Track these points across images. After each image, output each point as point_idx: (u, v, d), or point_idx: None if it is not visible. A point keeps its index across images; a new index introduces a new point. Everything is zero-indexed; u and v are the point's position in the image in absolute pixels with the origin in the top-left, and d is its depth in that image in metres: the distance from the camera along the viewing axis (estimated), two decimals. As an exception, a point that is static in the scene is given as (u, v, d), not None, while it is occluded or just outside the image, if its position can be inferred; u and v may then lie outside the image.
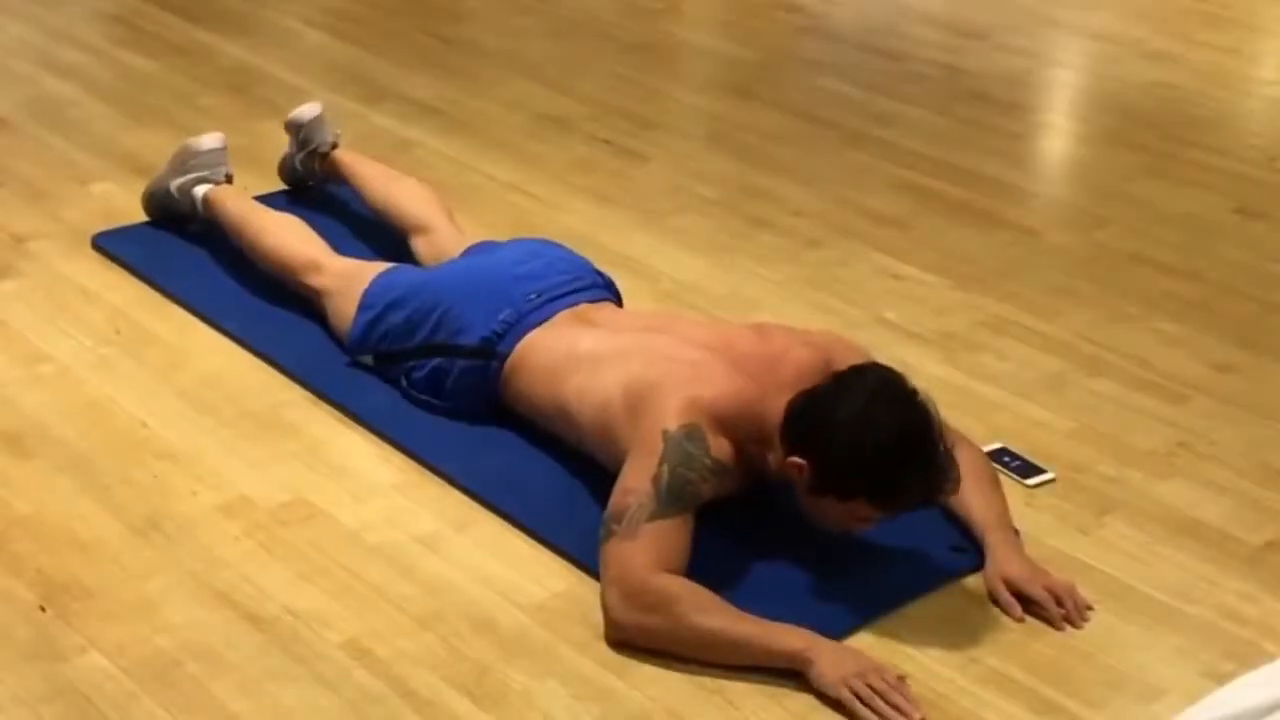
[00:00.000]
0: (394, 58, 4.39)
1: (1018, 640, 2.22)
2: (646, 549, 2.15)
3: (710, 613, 2.13)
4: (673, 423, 2.23)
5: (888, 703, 2.04)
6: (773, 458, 2.29)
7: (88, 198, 3.40)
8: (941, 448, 2.20)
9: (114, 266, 3.10)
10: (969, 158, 3.96)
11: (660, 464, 2.20)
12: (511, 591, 2.26)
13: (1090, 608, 2.28)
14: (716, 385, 2.29)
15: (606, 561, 2.18)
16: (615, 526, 2.18)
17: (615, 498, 2.22)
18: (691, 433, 2.22)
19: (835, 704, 2.07)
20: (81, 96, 3.97)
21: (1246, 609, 2.32)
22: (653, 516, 2.17)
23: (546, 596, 2.26)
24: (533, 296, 2.61)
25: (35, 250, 3.16)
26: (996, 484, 2.45)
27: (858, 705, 2.04)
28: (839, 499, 2.22)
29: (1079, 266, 3.41)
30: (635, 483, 2.20)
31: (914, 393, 2.21)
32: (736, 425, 2.28)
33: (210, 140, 3.22)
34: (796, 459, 2.22)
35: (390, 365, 2.70)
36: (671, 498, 2.18)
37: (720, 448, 2.25)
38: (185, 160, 3.20)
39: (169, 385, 2.73)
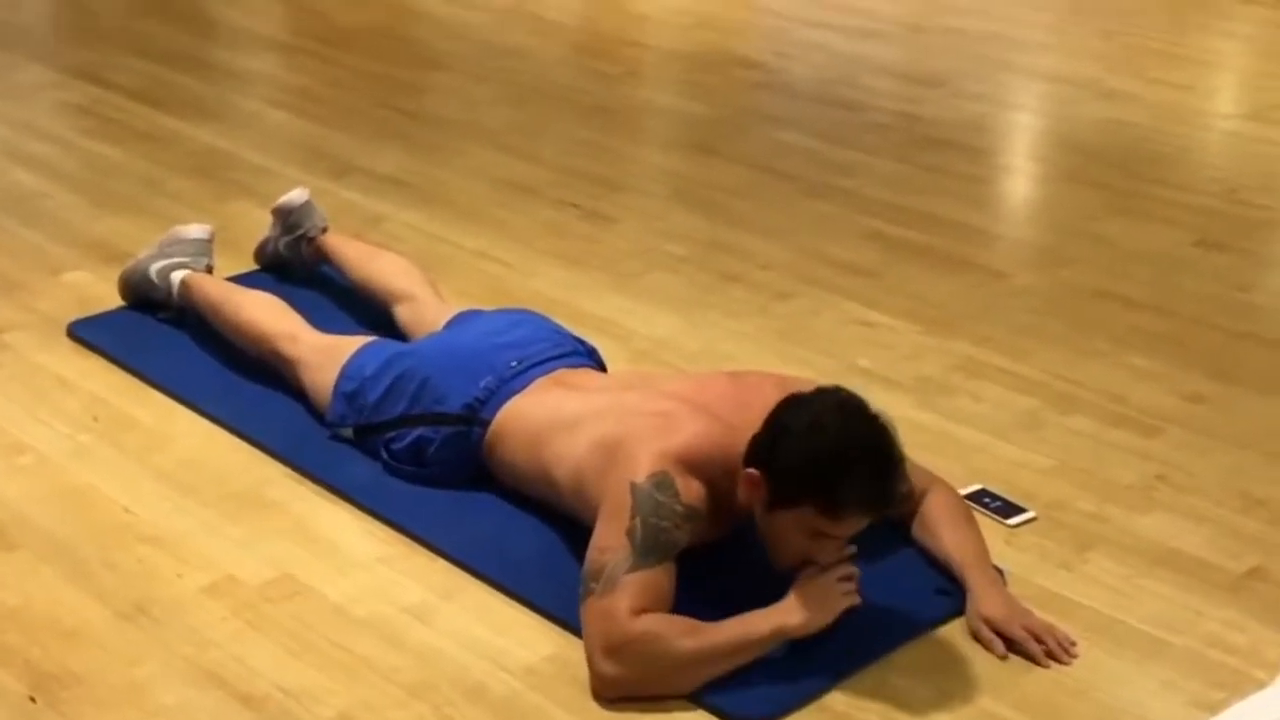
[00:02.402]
0: (358, 133, 4.42)
1: (1009, 679, 2.23)
2: (626, 597, 2.15)
3: (692, 634, 2.16)
4: (640, 474, 2.24)
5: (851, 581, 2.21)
6: (740, 488, 2.29)
7: (60, 287, 3.41)
8: (894, 459, 2.19)
9: (90, 354, 3.11)
10: (932, 203, 4.00)
11: (632, 518, 2.20)
12: (501, 657, 2.26)
13: (1074, 643, 2.29)
14: (685, 430, 2.30)
15: (587, 620, 2.18)
16: (593, 585, 2.19)
17: (591, 556, 2.22)
18: (660, 481, 2.23)
19: None
20: (50, 187, 3.99)
21: (1233, 637, 2.34)
22: (631, 569, 2.17)
23: (536, 660, 2.26)
24: (514, 364, 2.63)
25: (10, 341, 3.16)
26: (973, 523, 2.46)
27: (850, 601, 2.21)
28: (788, 508, 2.19)
29: (1047, 306, 3.45)
30: (609, 540, 2.21)
31: (872, 413, 2.22)
32: (707, 466, 2.28)
33: (198, 230, 3.26)
34: (750, 471, 2.23)
35: (371, 437, 2.70)
36: (647, 549, 2.19)
37: (691, 492, 2.25)
38: (170, 246, 3.22)
39: (149, 469, 2.73)
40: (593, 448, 2.36)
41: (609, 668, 2.15)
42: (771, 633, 2.17)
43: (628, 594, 2.16)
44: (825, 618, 2.19)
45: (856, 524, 2.21)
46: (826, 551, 2.23)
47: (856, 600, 2.21)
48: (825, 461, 2.16)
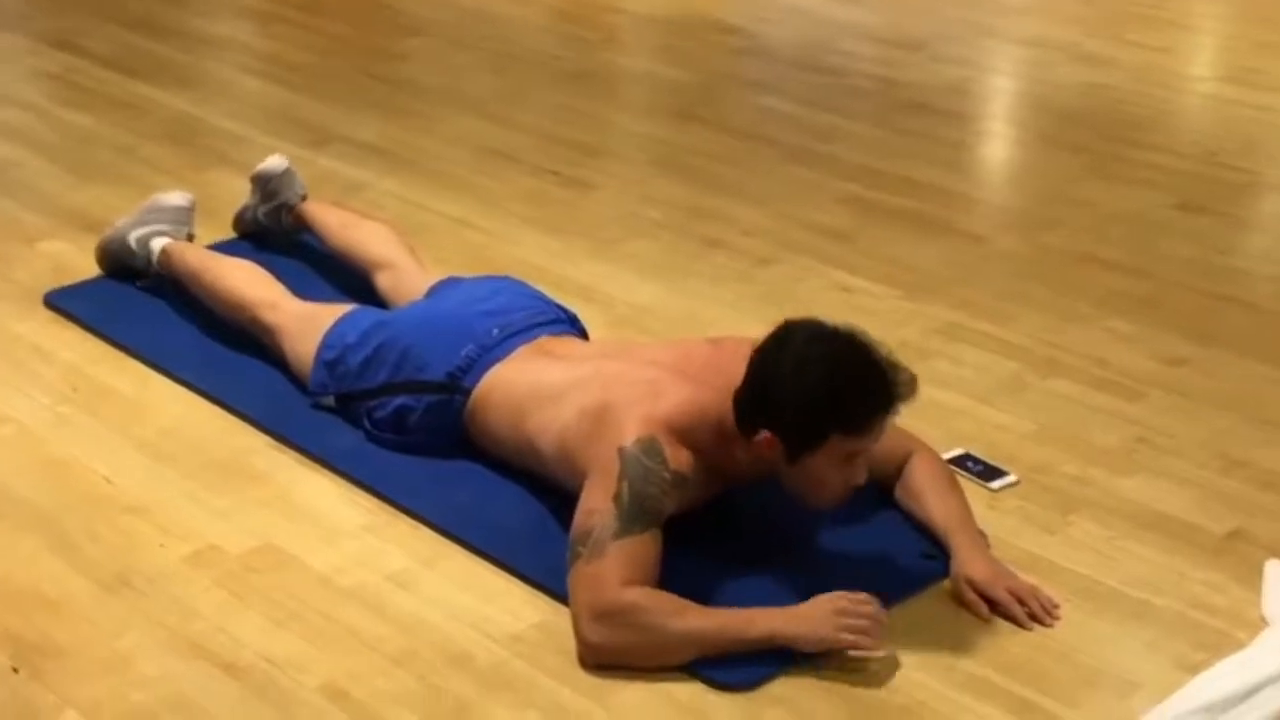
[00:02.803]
0: (336, 101, 4.40)
1: (992, 643, 2.24)
2: (614, 568, 2.16)
3: (684, 615, 2.15)
4: (628, 439, 2.24)
5: (868, 622, 2.15)
6: (740, 451, 2.29)
7: (36, 256, 3.39)
8: (882, 354, 2.22)
9: (67, 324, 3.09)
10: (913, 168, 4.00)
11: (619, 481, 2.20)
12: (486, 625, 2.26)
13: (1057, 605, 2.30)
14: (670, 397, 2.30)
15: (575, 584, 2.19)
16: (580, 549, 2.19)
17: (578, 519, 2.22)
18: (648, 447, 2.23)
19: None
20: (25, 156, 3.96)
21: (1215, 599, 2.35)
22: (617, 535, 2.17)
23: (522, 628, 2.26)
24: (495, 331, 2.62)
25: (-14, 312, 3.14)
26: (957, 488, 2.47)
27: (852, 640, 2.14)
28: (815, 449, 2.21)
29: (1028, 269, 3.45)
30: (596, 503, 2.21)
31: (836, 329, 2.25)
32: (695, 432, 2.29)
33: (179, 198, 3.24)
34: (763, 435, 2.23)
35: (353, 405, 2.70)
36: (634, 514, 2.19)
37: (679, 458, 2.25)
38: (150, 213, 3.20)
39: (130, 439, 2.72)
40: (579, 415, 2.35)
41: (594, 634, 2.15)
42: (765, 636, 2.15)
43: (616, 561, 2.16)
44: (823, 643, 2.15)
45: (880, 428, 2.24)
46: (860, 471, 2.26)
47: (865, 644, 2.15)
48: (830, 391, 2.18)
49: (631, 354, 2.54)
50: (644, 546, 2.19)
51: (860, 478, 2.27)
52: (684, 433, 2.27)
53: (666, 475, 2.23)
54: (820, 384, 2.18)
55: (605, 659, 2.16)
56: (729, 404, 2.27)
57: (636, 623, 2.14)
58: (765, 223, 3.64)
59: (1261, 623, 2.29)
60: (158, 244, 3.14)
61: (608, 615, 2.14)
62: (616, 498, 2.19)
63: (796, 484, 2.29)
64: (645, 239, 3.56)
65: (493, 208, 3.70)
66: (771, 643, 2.15)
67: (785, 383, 2.20)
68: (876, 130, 4.29)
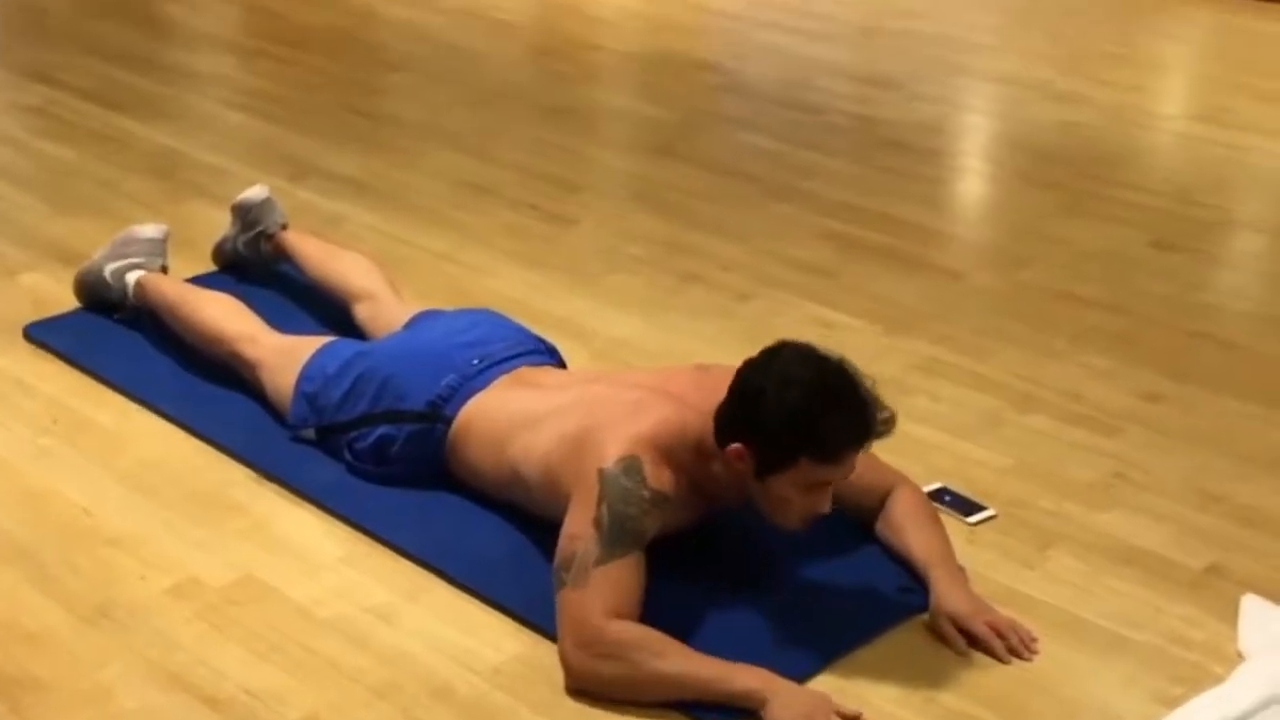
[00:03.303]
0: (316, 134, 4.41)
1: (972, 676, 2.25)
2: (598, 595, 2.16)
3: (667, 657, 2.15)
4: (609, 460, 2.24)
5: None
6: (715, 466, 2.30)
7: (16, 289, 3.38)
8: (865, 387, 2.22)
9: (48, 356, 3.08)
10: (890, 204, 4.03)
11: (599, 505, 2.21)
12: (467, 657, 2.26)
13: (1035, 639, 2.31)
14: (651, 415, 2.31)
15: (561, 610, 2.20)
16: (565, 575, 2.19)
17: (561, 545, 2.23)
18: (628, 466, 2.24)
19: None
20: (4, 189, 3.96)
21: (1192, 633, 2.36)
22: (599, 560, 2.18)
23: (503, 660, 2.26)
24: (476, 361, 2.63)
25: (-34, 344, 3.14)
26: (936, 521, 2.48)
27: None
28: (784, 469, 2.21)
29: (1005, 305, 3.48)
30: (577, 528, 2.21)
31: (827, 355, 2.25)
32: (677, 450, 2.29)
33: (152, 230, 3.24)
34: (735, 446, 2.24)
35: (334, 437, 2.70)
36: (615, 537, 2.19)
37: (660, 477, 2.25)
38: (124, 246, 3.21)
39: (110, 471, 2.71)
40: (561, 439, 2.36)
41: (576, 661, 2.16)
42: (746, 694, 2.13)
43: (599, 587, 2.16)
44: None
45: (850, 462, 2.24)
46: (824, 500, 2.26)
47: None
48: (807, 411, 2.18)
49: (614, 379, 2.55)
50: (627, 570, 2.19)
51: (824, 507, 2.27)
52: (665, 450, 2.27)
53: (646, 495, 2.23)
54: (799, 404, 2.19)
55: (585, 686, 2.17)
56: (710, 422, 2.28)
57: (620, 658, 2.14)
58: (744, 258, 3.66)
59: (1238, 657, 2.30)
60: (133, 276, 3.14)
61: (590, 645, 2.15)
62: (597, 522, 2.20)
63: (762, 501, 2.29)
64: (625, 273, 3.58)
65: (473, 242, 3.71)
66: (747, 703, 2.13)
67: (766, 397, 2.21)
68: (854, 167, 4.32)
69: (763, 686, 2.13)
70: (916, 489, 2.53)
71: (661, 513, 2.26)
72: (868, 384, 2.24)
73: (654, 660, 2.14)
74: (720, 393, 2.28)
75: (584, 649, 2.15)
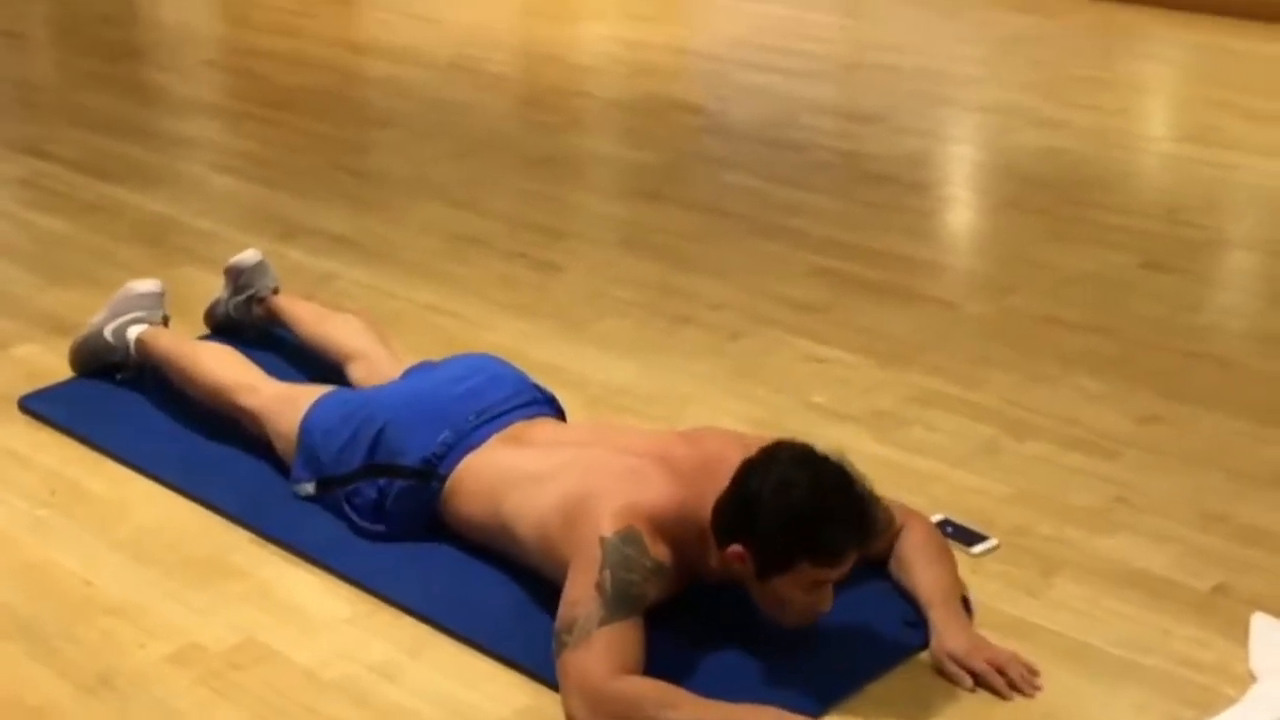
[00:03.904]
0: (305, 194, 4.42)
1: (979, 710, 2.23)
2: (602, 655, 2.15)
3: (678, 707, 2.13)
4: (608, 529, 2.24)
5: None
6: (713, 558, 2.31)
7: (10, 361, 3.38)
8: (863, 490, 2.24)
9: (43, 427, 3.08)
10: (878, 238, 4.03)
11: (602, 570, 2.21)
12: (473, 713, 2.25)
13: (1036, 673, 2.30)
14: (651, 491, 2.32)
15: (564, 673, 2.18)
16: (566, 638, 2.18)
17: (562, 610, 2.22)
18: (628, 536, 2.24)
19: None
20: (-5, 262, 3.97)
21: (1202, 655, 2.35)
22: (603, 622, 2.17)
23: (508, 714, 2.24)
24: (472, 416, 2.63)
25: (-40, 418, 3.13)
26: (944, 557, 2.47)
27: None
28: (784, 571, 2.23)
29: (997, 333, 3.48)
30: (579, 593, 2.21)
31: (825, 456, 2.27)
32: (673, 530, 2.30)
33: (148, 284, 3.25)
34: (735, 548, 2.25)
35: (333, 490, 2.69)
36: (618, 602, 2.19)
37: (658, 550, 2.26)
38: (123, 304, 3.21)
39: (109, 540, 2.70)
40: (558, 503, 2.36)
41: None
42: None
43: (602, 648, 2.15)
44: None
45: (849, 562, 2.25)
46: (826, 598, 2.27)
47: None
48: (805, 515, 2.19)
49: (609, 441, 2.55)
50: (629, 633, 2.18)
51: (826, 605, 2.28)
52: (663, 529, 2.28)
53: (648, 564, 2.24)
54: (797, 508, 2.20)
55: None
56: (708, 508, 2.30)
57: (631, 713, 2.13)
58: (735, 297, 3.67)
59: (1249, 677, 2.29)
60: (134, 331, 3.15)
61: (600, 704, 2.13)
62: (599, 586, 2.19)
63: (763, 601, 2.30)
64: (616, 318, 3.58)
65: (463, 293, 3.72)
66: None
67: (765, 501, 2.22)
68: (841, 202, 4.33)
69: None
70: (926, 523, 2.53)
71: (661, 582, 2.26)
72: (865, 484, 2.26)
73: (666, 712, 2.12)
74: (716, 469, 2.30)
75: (593, 709, 2.14)
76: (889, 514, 2.31)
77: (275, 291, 3.34)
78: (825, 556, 2.22)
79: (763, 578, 2.25)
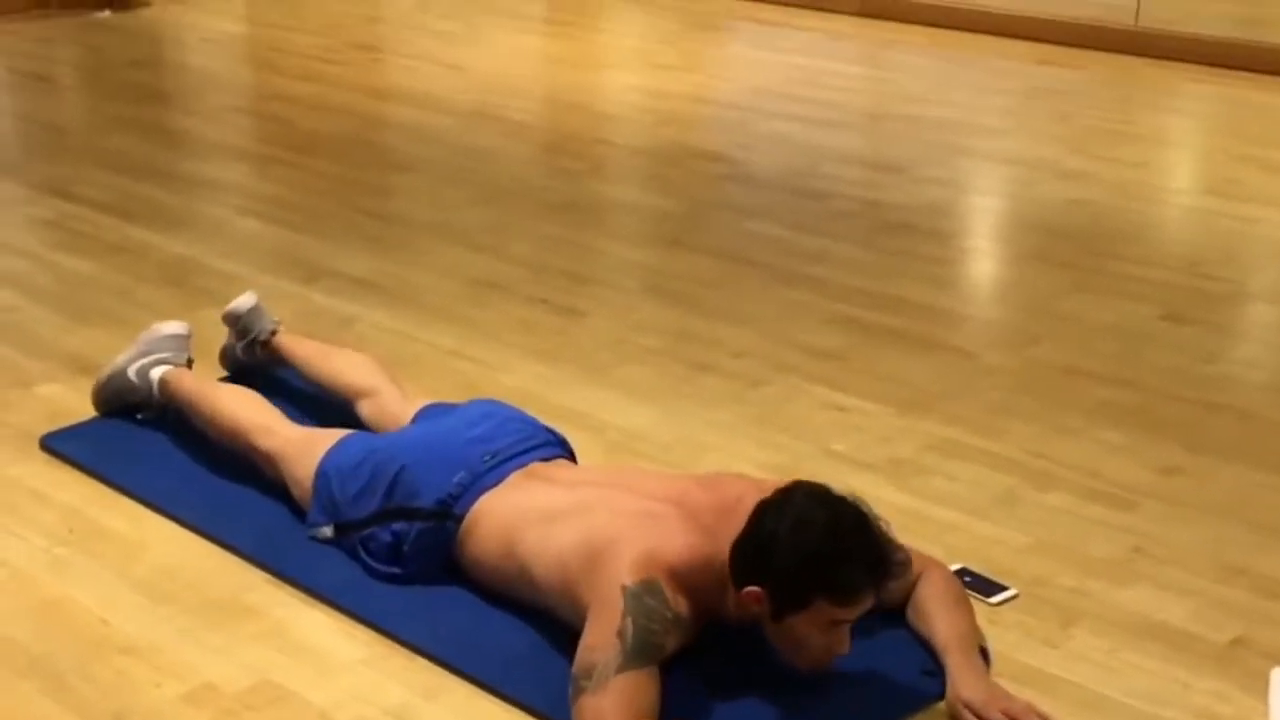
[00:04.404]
0: (327, 237, 4.45)
1: (997, 758, 2.22)
2: (619, 702, 2.15)
3: None
4: (630, 578, 2.24)
5: None
6: (730, 601, 2.31)
7: (33, 400, 3.40)
8: (879, 529, 2.25)
9: (64, 466, 3.09)
10: (900, 287, 4.04)
11: (624, 618, 2.21)
12: (487, 756, 2.25)
13: None
14: (672, 540, 2.31)
15: (580, 717, 2.17)
16: (585, 683, 2.18)
17: (581, 655, 2.22)
18: (650, 587, 2.24)
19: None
20: (21, 302, 3.99)
21: (1221, 709, 2.33)
22: (621, 669, 2.17)
23: (523, 758, 2.24)
24: (487, 458, 2.63)
25: (-18, 456, 3.15)
26: (964, 605, 2.46)
27: None
28: (800, 610, 2.23)
29: (1017, 384, 3.47)
30: (599, 639, 2.21)
31: (842, 496, 2.28)
32: (693, 579, 2.30)
33: (176, 326, 3.28)
34: (751, 589, 2.24)
35: (349, 535, 2.70)
36: (638, 650, 2.19)
37: (678, 601, 2.27)
38: (147, 344, 3.23)
39: (126, 579, 2.71)
40: (578, 544, 2.36)
41: None
42: None
43: (620, 694, 2.15)
44: None
45: (867, 602, 2.25)
46: (845, 638, 2.27)
47: None
48: (822, 555, 2.20)
49: (627, 483, 2.55)
50: (646, 682, 2.18)
51: (844, 647, 2.29)
52: (683, 579, 2.29)
53: (669, 615, 2.24)
54: (814, 546, 2.21)
55: None
56: (726, 552, 2.30)
57: None
58: (756, 345, 3.67)
59: (1268, 730, 2.28)
60: (158, 372, 3.17)
61: None
62: (621, 633, 2.19)
63: (779, 642, 2.31)
64: (636, 364, 3.59)
65: (484, 337, 3.73)
66: None
67: (781, 539, 2.23)
68: (863, 251, 4.34)
69: None
70: (944, 571, 2.53)
71: (679, 633, 2.27)
72: (881, 525, 2.27)
73: None
74: (734, 515, 2.31)
75: None
76: (906, 556, 2.31)
77: (274, 332, 3.35)
78: (842, 595, 2.21)
79: (779, 618, 2.25)
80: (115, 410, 3.24)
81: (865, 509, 2.27)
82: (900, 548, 2.29)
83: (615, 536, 2.32)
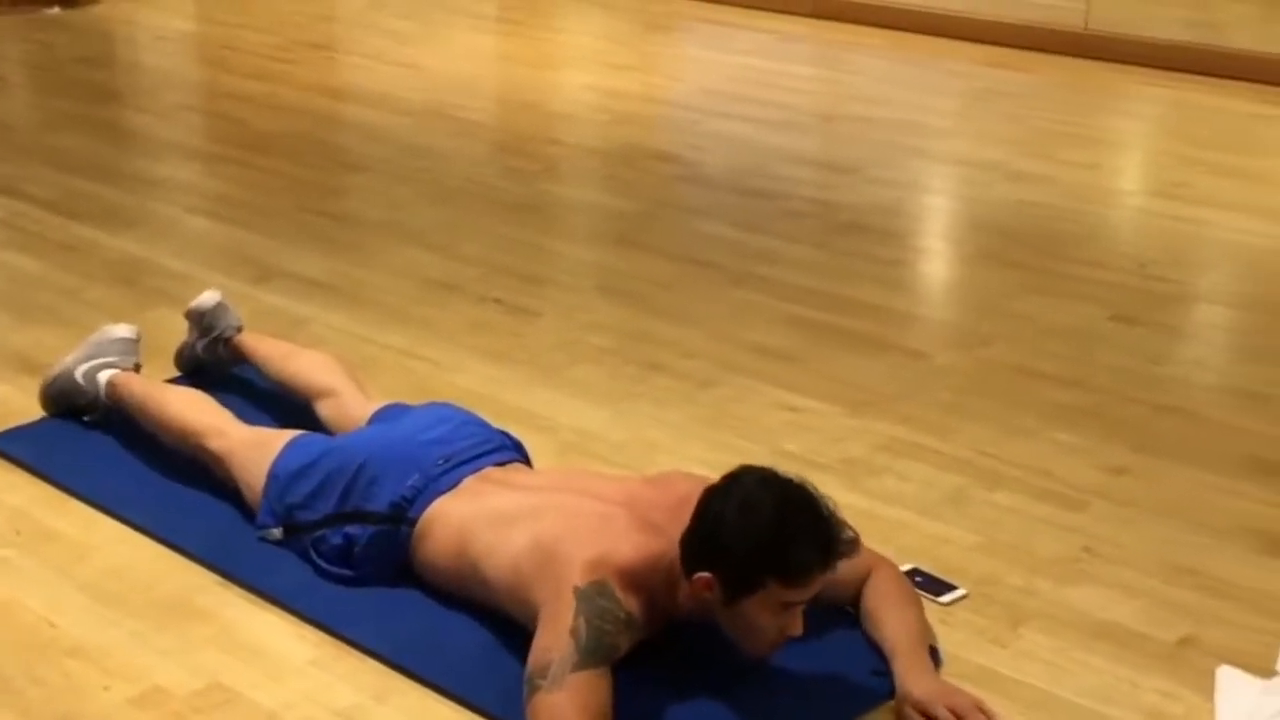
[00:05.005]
0: (280, 237, 4.42)
1: (947, 758, 2.23)
2: (576, 700, 2.14)
3: None
4: (581, 579, 2.25)
5: None
6: (681, 594, 2.31)
7: (-22, 400, 3.37)
8: (828, 508, 2.25)
9: (11, 467, 3.06)
10: (852, 287, 4.05)
11: (576, 618, 2.21)
12: (439, 758, 2.24)
13: None
14: (623, 542, 2.32)
15: (535, 715, 2.17)
16: (540, 681, 2.17)
17: (535, 655, 2.21)
18: (601, 588, 2.24)
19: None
20: (-34, 301, 3.95)
21: (1170, 707, 2.35)
22: (576, 668, 2.17)
23: (475, 759, 2.24)
24: (441, 461, 2.63)
25: (-73, 457, 3.11)
26: (912, 603, 2.47)
27: None
28: (751, 593, 2.23)
29: (968, 384, 3.49)
30: (553, 639, 2.21)
31: (788, 477, 2.28)
32: (645, 579, 2.30)
33: (124, 330, 3.25)
34: (702, 575, 2.25)
35: (300, 536, 2.68)
36: (591, 649, 2.19)
37: (630, 602, 2.27)
38: (95, 346, 3.21)
39: (74, 581, 2.68)
40: (531, 546, 2.36)
41: None
42: None
43: (574, 693, 2.15)
44: None
45: (818, 582, 2.25)
46: (795, 622, 2.27)
47: None
48: (771, 536, 2.20)
49: (579, 486, 2.55)
50: (600, 682, 2.18)
51: (796, 629, 2.29)
52: (635, 580, 2.29)
53: (621, 615, 2.24)
54: (763, 526, 2.21)
55: None
56: (677, 550, 2.30)
57: None
58: (708, 345, 3.67)
59: (1214, 729, 2.30)
60: (105, 375, 3.14)
61: None
62: (574, 633, 2.19)
63: (732, 628, 2.31)
64: (589, 364, 3.59)
65: (437, 337, 3.72)
66: None
67: (730, 522, 2.23)
68: (815, 252, 4.35)
69: None
70: (893, 569, 2.54)
71: (631, 634, 2.27)
72: (829, 505, 2.27)
73: None
74: (684, 512, 2.30)
75: None
76: (855, 534, 2.30)
77: (239, 330, 3.33)
78: (793, 575, 2.21)
79: (731, 603, 2.25)
80: (62, 411, 3.21)
81: (812, 489, 2.27)
82: (848, 526, 2.29)
83: (565, 537, 2.33)
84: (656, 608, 2.32)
